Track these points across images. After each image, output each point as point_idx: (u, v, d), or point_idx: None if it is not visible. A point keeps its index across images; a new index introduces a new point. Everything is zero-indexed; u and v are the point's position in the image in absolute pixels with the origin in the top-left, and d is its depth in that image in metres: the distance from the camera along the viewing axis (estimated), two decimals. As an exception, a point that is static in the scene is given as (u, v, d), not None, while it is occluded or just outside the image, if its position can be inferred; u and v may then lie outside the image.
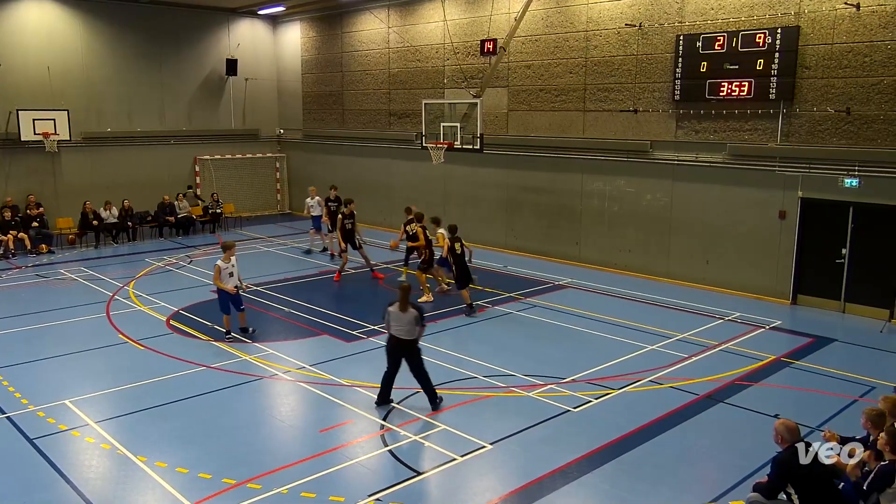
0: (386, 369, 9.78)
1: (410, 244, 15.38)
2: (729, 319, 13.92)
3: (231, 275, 12.37)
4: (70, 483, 7.81)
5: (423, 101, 18.83)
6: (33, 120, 20.95)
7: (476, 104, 17.23)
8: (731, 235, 15.81)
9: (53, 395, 10.15)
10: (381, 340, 12.36)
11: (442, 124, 17.93)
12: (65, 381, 10.73)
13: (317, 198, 19.98)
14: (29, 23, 21.53)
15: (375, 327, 13.19)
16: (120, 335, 12.83)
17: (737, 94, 14.97)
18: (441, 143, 17.80)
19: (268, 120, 27.55)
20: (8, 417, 9.40)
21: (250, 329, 12.88)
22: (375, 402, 9.81)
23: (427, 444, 8.75)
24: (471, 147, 17.39)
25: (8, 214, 20.15)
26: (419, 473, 8.06)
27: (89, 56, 22.75)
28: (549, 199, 19.23)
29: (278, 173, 27.90)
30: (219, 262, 12.39)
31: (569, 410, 9.71)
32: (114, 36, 23.19)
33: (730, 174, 15.67)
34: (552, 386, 10.57)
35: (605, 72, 17.55)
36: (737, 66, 14.89)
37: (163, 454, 8.43)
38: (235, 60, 25.51)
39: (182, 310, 14.35)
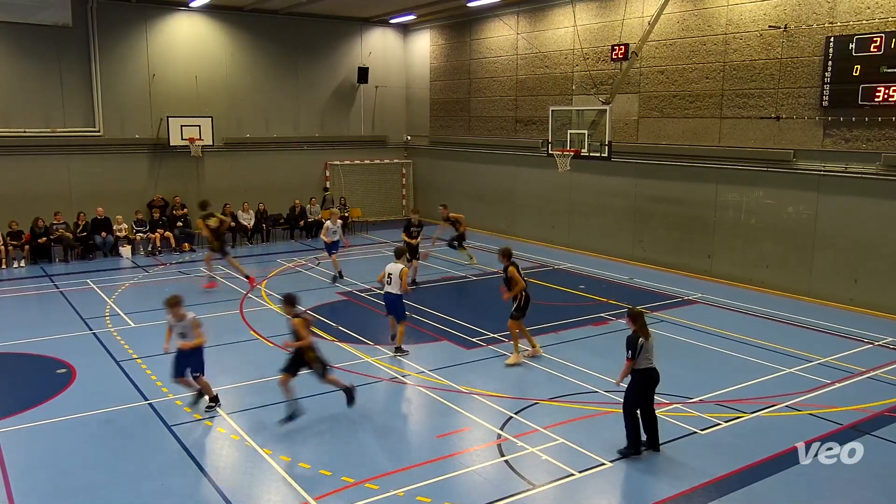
0: (628, 408, 8.57)
1: (508, 294, 11.71)
2: (879, 344, 12.79)
3: (183, 335, 9.65)
4: (202, 469, 8.20)
5: (551, 108, 18.58)
6: (181, 126, 22.44)
7: (605, 111, 16.80)
8: (885, 253, 14.55)
9: (191, 385, 10.70)
10: (501, 349, 12.32)
11: (569, 131, 17.62)
12: (200, 373, 11.32)
13: (339, 221, 18.14)
14: (180, 35, 23.10)
15: (496, 335, 13.09)
16: (251, 332, 13.42)
17: (895, 100, 13.77)
18: (567, 151, 17.50)
19: (396, 127, 28.16)
20: (150, 404, 10.02)
21: (211, 402, 9.97)
22: (631, 453, 8.57)
23: (544, 457, 8.53)
24: (598, 155, 16.96)
25: (157, 214, 21.69)
26: (535, 486, 7.88)
27: (233, 66, 24.11)
28: (679, 210, 18.47)
29: (404, 179, 28.44)
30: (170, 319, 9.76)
31: (695, 432, 9.21)
32: (255, 46, 24.47)
33: (884, 186, 14.43)
34: (678, 405, 10.07)
35: (745, 76, 16.66)
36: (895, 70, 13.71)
37: (287, 449, 8.69)
38: (367, 69, 26.25)
39: (309, 310, 14.81)
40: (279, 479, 8.01)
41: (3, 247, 19.08)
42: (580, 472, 8.19)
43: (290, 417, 9.32)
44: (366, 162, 27.23)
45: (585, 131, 17.17)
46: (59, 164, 21.39)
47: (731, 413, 9.81)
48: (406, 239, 16.85)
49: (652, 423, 8.69)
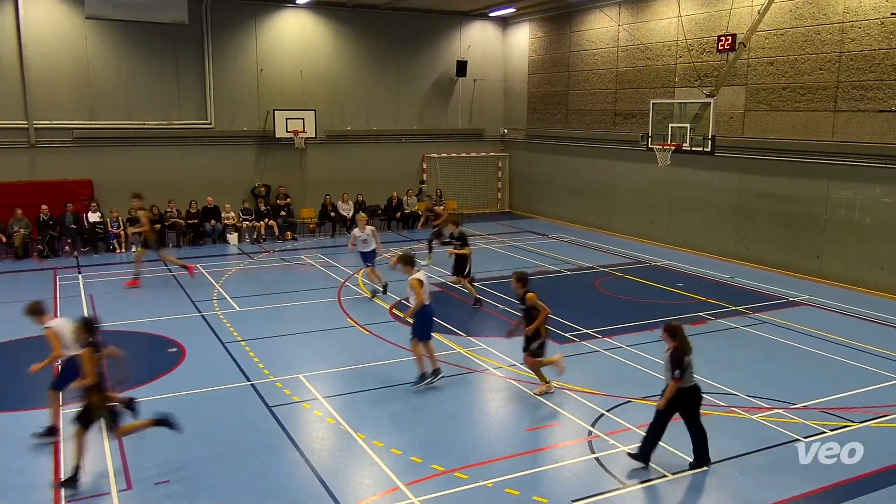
0: (660, 422, 8.05)
1: (530, 328, 10.05)
2: None
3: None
4: (299, 450, 8.53)
5: (651, 101, 18.13)
6: (286, 119, 23.30)
7: (709, 104, 16.24)
8: None
9: (290, 368, 11.16)
10: (594, 345, 12.21)
11: (670, 125, 17.14)
12: (300, 357, 11.78)
13: (369, 228, 15.71)
14: (287, 32, 23.93)
15: (588, 331, 12.97)
16: (348, 319, 13.81)
17: None
18: (668, 145, 17.04)
19: (493, 120, 28.19)
20: (252, 385, 10.51)
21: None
22: (636, 456, 8.21)
23: (636, 456, 8.40)
24: (701, 149, 16.43)
25: (262, 204, 22.61)
26: (625, 486, 7.78)
27: (336, 61, 24.77)
28: (786, 207, 17.66)
29: (500, 172, 28.46)
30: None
31: (797, 439, 8.84)
32: (357, 42, 25.04)
33: None
34: (779, 411, 9.68)
35: (863, 67, 15.72)
36: None
37: (380, 434, 8.92)
38: (465, 62, 26.39)
39: (404, 300, 15.09)
40: (372, 464, 8.23)
41: (122, 232, 20.37)
42: (673, 474, 8.02)
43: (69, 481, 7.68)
44: (462, 155, 27.41)
45: (688, 125, 16.67)
46: (174, 155, 22.65)
47: (838, 421, 9.35)
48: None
49: (701, 438, 8.11)
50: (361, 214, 17.00)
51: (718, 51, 18.06)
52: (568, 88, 24.89)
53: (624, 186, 22.72)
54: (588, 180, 24.21)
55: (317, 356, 11.91)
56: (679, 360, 7.77)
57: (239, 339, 12.59)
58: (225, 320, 13.65)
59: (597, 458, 8.37)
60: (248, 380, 10.70)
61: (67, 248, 19.78)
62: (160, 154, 22.46)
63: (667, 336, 8.00)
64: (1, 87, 20.39)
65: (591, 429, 9.13)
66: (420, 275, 10.36)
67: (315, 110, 23.73)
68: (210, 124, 23.03)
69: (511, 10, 25.85)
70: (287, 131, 23.30)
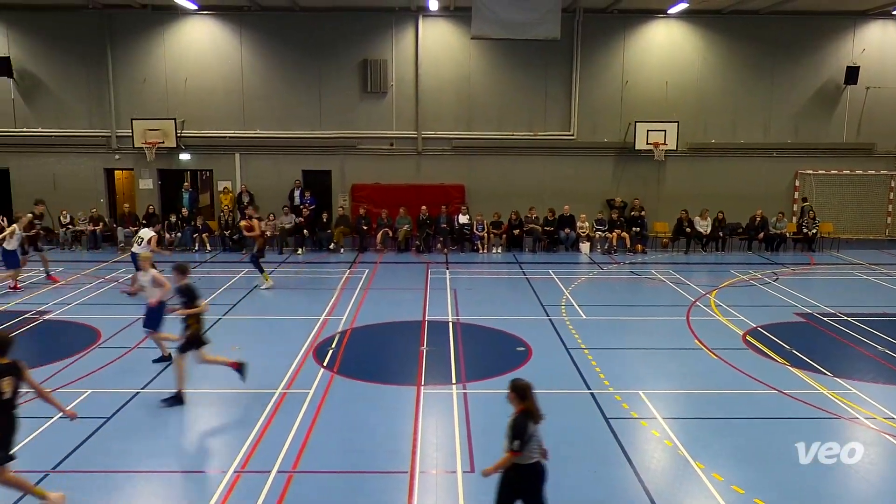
0: None
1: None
2: None
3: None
4: (633, 467, 8.32)
5: None
6: (647, 131, 23.07)
7: None
8: None
9: (630, 383, 10.98)
10: None
11: None
12: (641, 372, 11.54)
13: (152, 272, 11.50)
14: (655, 42, 23.64)
15: None
16: (696, 341, 13.14)
17: None
18: None
19: (887, 133, 24.42)
20: (591, 393, 10.55)
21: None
22: None
23: None
24: None
25: (615, 215, 22.69)
26: None
27: (704, 70, 23.76)
28: None
29: (892, 194, 24.63)
30: None
31: None
32: (729, 49, 23.69)
33: None
34: None
35: None
36: None
37: (721, 467, 8.30)
38: (857, 68, 23.32)
39: (760, 327, 13.91)
40: (709, 497, 7.69)
41: (485, 234, 22.14)
42: None
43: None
44: (845, 172, 24.31)
45: None
46: (536, 164, 23.92)
47: None
48: None
49: None
50: (145, 253, 12.40)
51: None
52: None
53: None
54: None
55: (659, 374, 11.56)
56: (520, 427, 6.24)
57: (583, 346, 12.77)
58: (571, 326, 13.94)
59: None
60: (588, 388, 10.78)
61: (439, 245, 22.10)
62: (524, 163, 23.87)
63: (514, 396, 6.44)
64: (401, 101, 23.59)
65: None
66: None
67: (678, 122, 23.08)
68: (572, 135, 23.78)
69: (922, 6, 22.19)
70: (647, 143, 23.05)
